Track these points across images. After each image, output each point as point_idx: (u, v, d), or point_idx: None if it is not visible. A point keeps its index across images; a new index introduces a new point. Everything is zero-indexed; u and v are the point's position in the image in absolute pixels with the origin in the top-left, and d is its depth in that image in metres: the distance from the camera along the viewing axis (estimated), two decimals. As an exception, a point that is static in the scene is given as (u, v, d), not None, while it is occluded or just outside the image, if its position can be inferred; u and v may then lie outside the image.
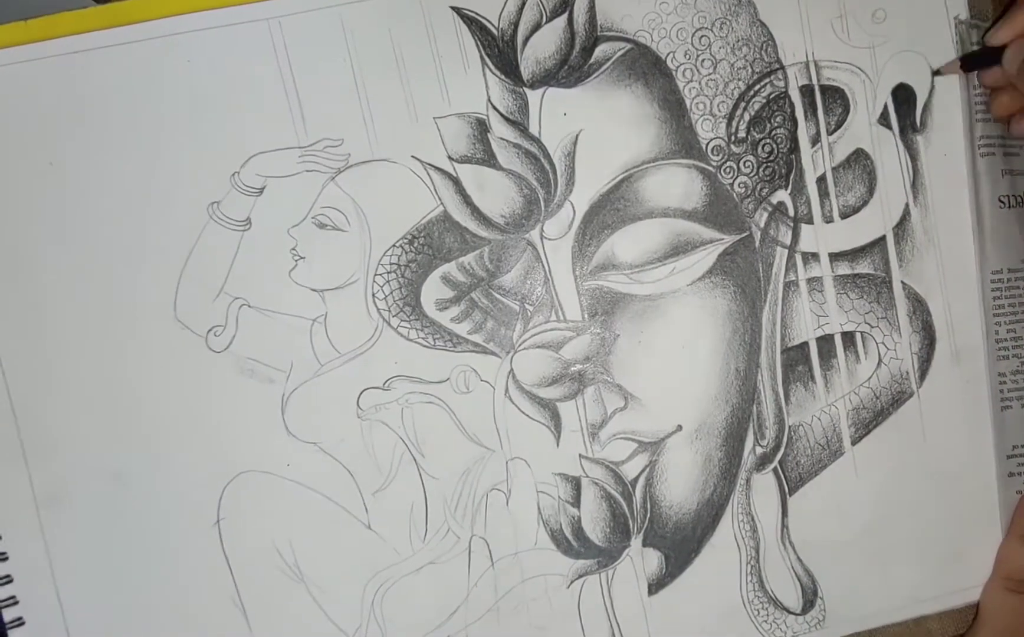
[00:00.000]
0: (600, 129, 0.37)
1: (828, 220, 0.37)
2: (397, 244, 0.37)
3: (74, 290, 0.37)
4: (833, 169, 0.37)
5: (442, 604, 0.37)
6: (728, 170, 0.37)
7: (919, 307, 0.38)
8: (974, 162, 0.37)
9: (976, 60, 0.36)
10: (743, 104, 0.37)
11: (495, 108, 0.37)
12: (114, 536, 0.37)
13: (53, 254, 0.37)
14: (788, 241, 0.37)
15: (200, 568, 0.37)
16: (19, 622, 0.36)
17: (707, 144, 0.37)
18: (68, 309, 0.37)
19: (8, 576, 0.36)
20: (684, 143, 0.37)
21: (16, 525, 0.36)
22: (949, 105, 0.37)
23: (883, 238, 0.37)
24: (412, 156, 0.37)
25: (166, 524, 0.37)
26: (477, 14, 0.36)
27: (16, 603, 0.37)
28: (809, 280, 0.37)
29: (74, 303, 0.37)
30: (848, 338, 0.38)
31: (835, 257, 0.37)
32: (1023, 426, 0.38)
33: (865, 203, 0.37)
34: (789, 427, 0.38)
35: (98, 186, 0.36)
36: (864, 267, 0.37)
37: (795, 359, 0.38)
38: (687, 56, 0.37)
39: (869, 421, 0.38)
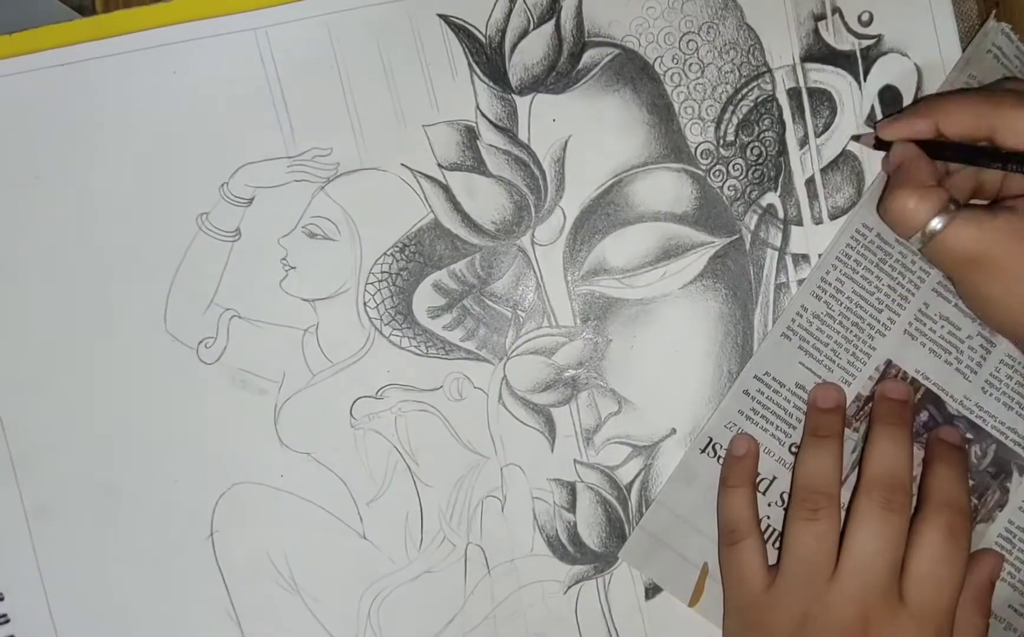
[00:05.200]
0: (589, 134, 0.37)
1: (818, 221, 0.37)
2: (388, 252, 0.37)
3: (63, 303, 0.36)
4: (821, 171, 0.37)
5: (439, 613, 0.37)
6: (717, 173, 0.37)
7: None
8: None
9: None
10: (731, 108, 0.37)
11: (484, 115, 0.37)
12: (106, 551, 0.36)
13: (41, 267, 0.36)
14: (778, 243, 0.37)
15: (194, 582, 0.37)
16: (11, 641, 0.36)
17: (696, 148, 0.37)
18: (57, 322, 0.36)
19: (-1, 594, 0.36)
20: (673, 147, 0.37)
21: (6, 540, 0.36)
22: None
23: (872, 238, 0.38)
24: (402, 164, 0.37)
25: (159, 538, 0.37)
26: (464, 21, 0.36)
27: (8, 621, 0.36)
28: (800, 281, 0.37)
29: (63, 316, 0.36)
30: (839, 338, 0.38)
31: (825, 258, 0.38)
32: None
33: (854, 204, 0.37)
34: (782, 428, 0.38)
35: (86, 199, 0.36)
36: (854, 267, 0.38)
37: (787, 360, 0.38)
38: (675, 61, 0.37)
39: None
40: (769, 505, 0.37)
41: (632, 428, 0.37)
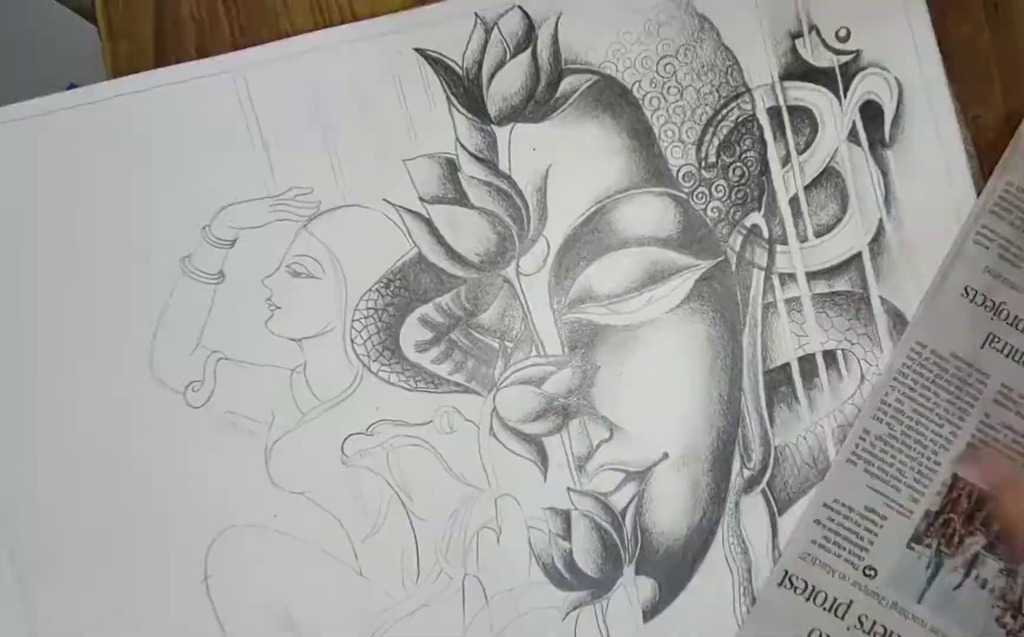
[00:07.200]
0: (570, 162, 0.37)
1: (803, 240, 0.37)
2: (373, 288, 0.37)
3: (48, 352, 0.36)
4: (805, 188, 0.37)
5: (438, 646, 0.37)
6: (700, 195, 0.37)
7: (899, 321, 0.38)
8: (963, 241, 0.37)
9: None
10: (711, 129, 0.37)
11: (464, 147, 0.36)
12: (99, 603, 0.36)
13: (25, 315, 0.36)
14: (764, 263, 0.37)
15: (191, 629, 0.36)
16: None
17: (678, 171, 0.37)
18: (42, 372, 0.36)
19: (-7, 652, 0.36)
20: (655, 171, 0.37)
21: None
22: (917, 119, 0.37)
23: (859, 254, 0.37)
24: (383, 199, 0.37)
25: (153, 586, 0.36)
26: (441, 54, 0.36)
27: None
28: (787, 300, 0.37)
29: (48, 365, 0.36)
30: (829, 356, 0.38)
31: (812, 276, 0.37)
32: None
33: (839, 220, 0.37)
34: (775, 448, 0.38)
35: (68, 244, 0.36)
36: (842, 284, 0.37)
37: (778, 380, 0.38)
38: (653, 84, 0.37)
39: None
40: (848, 629, 0.37)
41: (624, 454, 0.37)
